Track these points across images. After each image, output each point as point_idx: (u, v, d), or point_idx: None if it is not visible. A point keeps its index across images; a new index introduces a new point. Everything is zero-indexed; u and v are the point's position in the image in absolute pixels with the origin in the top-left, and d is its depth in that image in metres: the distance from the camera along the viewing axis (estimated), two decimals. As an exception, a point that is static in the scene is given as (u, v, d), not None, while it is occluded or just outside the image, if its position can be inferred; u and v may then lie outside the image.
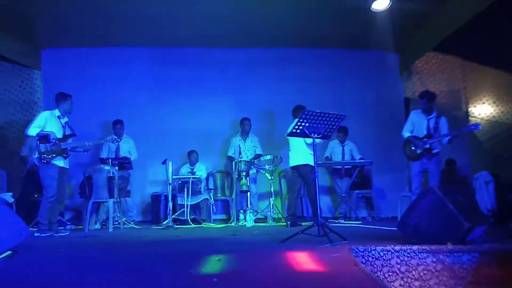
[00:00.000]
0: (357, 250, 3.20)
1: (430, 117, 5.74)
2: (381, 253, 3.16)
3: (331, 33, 7.69)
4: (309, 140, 5.55)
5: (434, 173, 5.66)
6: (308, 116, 4.35)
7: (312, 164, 5.80)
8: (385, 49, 8.37)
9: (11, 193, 6.14)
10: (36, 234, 5.29)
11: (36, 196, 6.58)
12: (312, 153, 5.71)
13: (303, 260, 3.20)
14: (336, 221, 6.92)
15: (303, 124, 4.38)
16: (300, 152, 6.00)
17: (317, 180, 4.43)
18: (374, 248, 3.20)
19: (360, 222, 6.70)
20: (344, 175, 7.37)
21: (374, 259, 3.14)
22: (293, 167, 6.15)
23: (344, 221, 6.90)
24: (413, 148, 5.79)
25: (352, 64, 8.52)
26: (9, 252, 3.61)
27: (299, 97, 8.06)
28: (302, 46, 8.34)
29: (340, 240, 4.03)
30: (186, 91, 8.29)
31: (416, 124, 5.83)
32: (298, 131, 4.44)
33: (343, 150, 7.55)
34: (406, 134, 5.87)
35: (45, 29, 7.40)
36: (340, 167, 7.38)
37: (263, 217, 7.12)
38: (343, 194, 7.15)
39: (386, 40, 7.70)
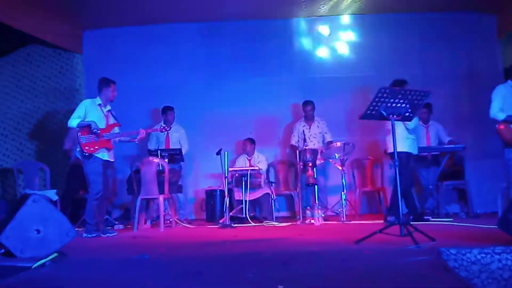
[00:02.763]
0: (448, 252, 3.11)
1: None
2: (478, 256, 3.05)
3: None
4: (411, 124, 5.78)
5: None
6: (385, 94, 4.25)
7: (409, 150, 6.02)
8: (478, 10, 7.97)
9: (55, 190, 6.50)
10: (84, 235, 5.58)
11: (81, 193, 6.94)
12: (411, 137, 6.00)
13: (384, 264, 3.15)
14: (422, 218, 6.74)
15: (379, 104, 4.28)
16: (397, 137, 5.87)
17: (398, 170, 4.33)
18: (470, 250, 3.10)
19: (451, 219, 6.49)
20: (431, 164, 7.15)
21: (469, 264, 3.04)
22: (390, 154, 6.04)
23: (432, 218, 6.71)
24: None
25: (438, 30, 8.19)
26: (56, 254, 3.84)
27: (372, 72, 7.94)
28: (376, 11, 8.13)
29: (427, 240, 3.93)
30: (242, 72, 8.35)
31: (507, 100, 5.52)
32: (373, 112, 4.35)
33: (427, 132, 7.31)
34: (500, 114, 5.57)
35: (87, 8, 7.68)
36: (426, 154, 7.16)
37: (334, 214, 7.07)
38: (430, 186, 6.94)
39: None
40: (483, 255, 3.06)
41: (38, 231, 3.98)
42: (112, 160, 5.93)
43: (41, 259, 3.62)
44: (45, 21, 7.56)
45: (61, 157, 7.47)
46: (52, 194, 6.34)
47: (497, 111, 5.59)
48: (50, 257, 3.73)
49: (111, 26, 8.36)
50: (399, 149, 5.47)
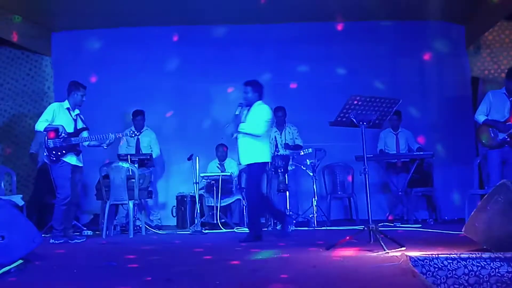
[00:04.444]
0: (416, 258, 3.16)
1: None
2: (445, 262, 3.11)
3: (382, 2, 7.54)
4: (259, 131, 5.33)
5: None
6: (355, 102, 4.30)
7: (262, 160, 5.39)
8: (447, 20, 8.14)
9: (21, 195, 6.36)
10: (51, 241, 5.47)
11: (48, 198, 6.80)
12: (263, 145, 5.42)
13: (354, 270, 3.18)
14: (391, 224, 6.83)
15: (349, 111, 4.33)
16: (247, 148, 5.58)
17: (367, 177, 4.38)
18: (437, 256, 3.15)
19: (419, 225, 6.60)
20: (401, 170, 7.26)
21: (436, 269, 3.09)
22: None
23: (401, 224, 6.81)
24: (492, 134, 5.64)
25: (407, 38, 8.34)
26: (21, 261, 3.75)
27: (345, 79, 8.03)
28: (349, 19, 8.23)
29: (396, 247, 3.98)
30: (214, 76, 8.31)
31: (494, 106, 5.68)
32: (344, 119, 4.40)
33: (397, 139, 7.43)
34: (481, 117, 5.75)
35: (55, 9, 7.56)
36: (395, 160, 7.27)
37: (305, 220, 7.11)
38: (399, 193, 7.04)
39: (448, 9, 7.48)
40: (450, 261, 3.12)
41: (3, 237, 3.88)
42: (81, 165, 5.84)
43: (6, 266, 3.54)
44: (12, 22, 7.43)
45: (28, 161, 7.32)
46: (18, 199, 6.20)
47: (479, 114, 5.77)
48: (15, 264, 3.65)
49: (81, 28, 8.25)
50: (251, 161, 5.40)
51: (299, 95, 8.23)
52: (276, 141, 7.32)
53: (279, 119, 7.55)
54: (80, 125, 5.82)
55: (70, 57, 8.32)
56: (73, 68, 7.99)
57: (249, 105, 5.57)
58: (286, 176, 6.65)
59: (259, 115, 5.43)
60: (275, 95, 8.08)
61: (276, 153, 6.89)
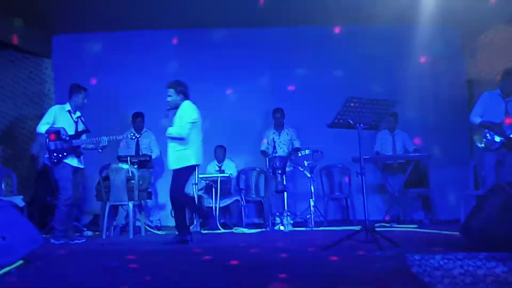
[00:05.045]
0: (412, 258, 3.16)
1: (509, 99, 5.59)
2: (441, 262, 3.11)
3: (377, 6, 7.54)
4: (183, 132, 5.20)
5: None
6: (352, 104, 4.31)
7: (185, 164, 5.21)
8: (443, 23, 8.15)
9: (22, 196, 6.36)
10: (51, 242, 5.47)
11: (49, 198, 6.80)
12: (187, 148, 5.27)
13: (351, 270, 3.19)
14: (387, 225, 6.84)
15: (347, 113, 4.34)
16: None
17: (364, 178, 4.39)
18: (433, 256, 3.15)
19: (416, 226, 6.60)
20: (397, 171, 7.27)
21: (432, 269, 3.09)
22: None
23: (397, 224, 6.81)
24: (488, 136, 5.63)
25: (403, 41, 8.34)
26: (21, 261, 3.75)
27: (342, 82, 8.04)
28: (346, 23, 8.23)
29: (392, 247, 3.99)
30: (213, 79, 8.32)
31: (489, 106, 5.67)
32: (341, 121, 4.41)
33: (393, 141, 7.44)
34: (476, 119, 5.72)
35: (56, 13, 7.57)
36: (392, 161, 7.28)
37: (303, 221, 7.11)
38: (396, 193, 7.05)
39: (444, 12, 7.48)
40: (446, 261, 3.12)
41: (3, 238, 3.88)
42: (82, 167, 5.85)
43: (6, 266, 3.54)
44: (13, 25, 7.43)
45: (29, 163, 7.32)
46: (19, 200, 6.20)
47: (474, 116, 5.74)
48: (16, 264, 3.65)
49: (81, 31, 8.27)
50: (178, 166, 5.28)
51: (297, 97, 8.25)
52: (274, 142, 7.33)
53: (277, 121, 7.58)
54: (81, 127, 5.83)
55: (70, 60, 8.32)
56: (73, 70, 7.98)
57: (176, 107, 5.41)
58: (284, 177, 6.66)
59: (182, 117, 5.28)
60: (274, 97, 8.13)
61: (274, 154, 6.91)
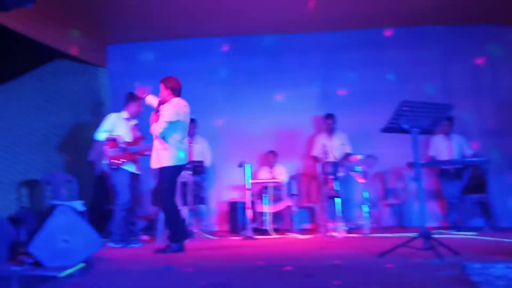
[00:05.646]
0: (472, 267, 3.08)
1: None
2: (504, 271, 3.01)
3: (433, 6, 7.39)
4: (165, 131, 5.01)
5: None
6: (407, 108, 4.24)
7: (173, 164, 5.05)
8: (501, 23, 7.89)
9: (82, 201, 6.61)
10: (109, 245, 5.65)
11: (106, 204, 7.03)
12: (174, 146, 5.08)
13: (407, 278, 3.13)
14: (445, 231, 6.66)
15: (401, 117, 4.27)
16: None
17: (420, 184, 4.30)
18: (494, 264, 3.06)
19: (475, 233, 6.39)
20: (454, 177, 7.07)
21: (494, 278, 3.00)
22: None
23: (455, 231, 6.62)
24: None
25: (460, 42, 8.13)
26: (83, 264, 3.91)
27: (394, 85, 7.92)
28: (397, 25, 8.11)
29: (450, 254, 3.89)
30: (263, 85, 8.38)
31: None
32: (395, 125, 4.34)
33: (449, 145, 7.25)
34: None
35: (110, 23, 7.85)
36: (448, 167, 7.09)
37: (357, 227, 7.03)
38: (453, 200, 6.86)
39: (502, 11, 7.25)
40: (509, 270, 3.02)
41: (66, 241, 4.06)
42: (139, 173, 6.03)
43: (69, 268, 3.69)
44: (71, 36, 7.74)
45: (88, 169, 7.59)
46: (79, 205, 6.45)
47: None
48: (77, 266, 3.80)
49: (134, 40, 8.51)
50: (160, 165, 5.13)
51: (349, 101, 8.16)
52: (325, 147, 7.30)
53: (329, 126, 7.54)
54: (137, 134, 6.02)
55: (125, 68, 8.57)
56: (128, 79, 8.16)
57: (165, 103, 5.23)
58: (336, 182, 6.61)
59: (162, 114, 5.10)
60: (325, 102, 8.09)
61: (326, 159, 6.87)
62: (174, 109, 5.10)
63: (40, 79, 8.07)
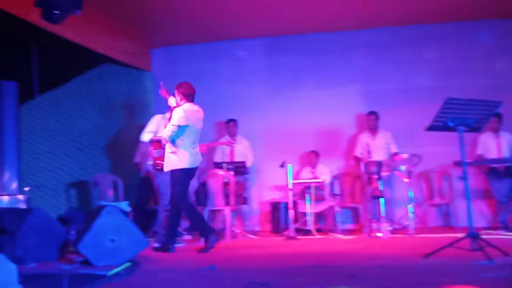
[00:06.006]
0: (523, 268, 2.98)
1: None
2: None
3: (477, 1, 7.18)
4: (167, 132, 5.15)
5: None
6: (452, 105, 4.14)
7: (182, 166, 5.19)
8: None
9: (128, 202, 6.77)
10: (154, 245, 5.77)
11: (151, 204, 7.18)
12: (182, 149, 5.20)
13: (454, 280, 3.06)
14: (494, 232, 6.46)
15: (446, 115, 4.18)
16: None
17: (467, 183, 4.20)
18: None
19: (527, 234, 6.19)
20: (503, 175, 6.85)
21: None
22: None
23: (505, 232, 6.42)
24: None
25: (508, 37, 7.86)
26: (129, 263, 4.01)
27: (438, 82, 7.74)
28: (441, 21, 7.91)
29: (501, 255, 3.77)
30: (303, 84, 8.37)
31: None
32: (440, 123, 4.25)
33: (498, 143, 7.02)
34: None
35: (154, 27, 8.02)
36: (497, 165, 6.88)
37: (401, 227, 6.92)
38: (503, 199, 6.65)
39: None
40: None
41: (113, 241, 4.18)
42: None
43: (116, 267, 3.79)
44: (116, 41, 7.94)
45: (133, 170, 7.78)
46: (125, 205, 6.60)
47: None
48: (124, 265, 3.90)
49: (177, 43, 8.66)
50: (170, 168, 5.28)
51: (392, 99, 8.02)
52: (368, 146, 7.21)
53: (371, 124, 7.44)
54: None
55: (168, 71, 8.71)
56: (170, 82, 8.30)
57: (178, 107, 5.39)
58: (380, 182, 6.52)
59: (171, 118, 5.26)
60: (367, 101, 7.98)
61: (369, 159, 6.79)
62: (183, 113, 5.22)
63: (87, 83, 8.35)
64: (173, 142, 5.23)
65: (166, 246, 5.27)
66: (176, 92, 5.41)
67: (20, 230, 4.36)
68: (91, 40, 7.27)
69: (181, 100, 5.37)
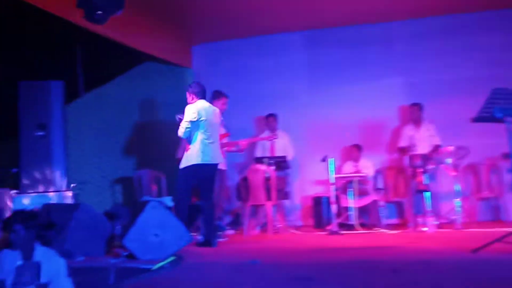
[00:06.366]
0: None
1: None
2: None
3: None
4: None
5: None
6: (499, 95, 4.01)
7: (190, 163, 5.36)
8: None
9: (171, 197, 6.88)
10: (198, 240, 5.85)
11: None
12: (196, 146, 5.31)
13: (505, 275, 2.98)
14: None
15: (493, 105, 4.05)
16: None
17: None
18: None
19: None
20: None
21: None
22: None
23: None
24: None
25: None
26: (173, 257, 4.08)
27: (485, 72, 7.49)
28: (484, 9, 7.64)
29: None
30: (344, 78, 8.26)
31: None
32: (487, 115, 4.12)
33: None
34: None
35: (194, 24, 8.10)
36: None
37: (448, 221, 6.76)
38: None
39: None
40: None
41: (157, 235, 4.26)
42: (224, 169, 6.18)
43: (160, 261, 3.87)
44: (158, 39, 8.07)
45: (176, 166, 7.91)
46: (168, 200, 6.71)
47: None
48: (169, 259, 3.98)
49: (217, 40, 8.71)
50: (181, 166, 5.48)
51: (435, 91, 7.83)
52: (413, 139, 7.07)
53: (415, 116, 7.28)
54: (222, 131, 6.16)
55: (209, 67, 8.80)
56: (212, 78, 8.41)
57: None
58: (425, 175, 6.39)
59: (184, 116, 5.39)
60: (410, 92, 7.81)
61: (414, 151, 6.66)
62: (193, 109, 5.36)
63: (129, 81, 8.54)
64: (187, 139, 5.40)
65: (208, 241, 5.34)
66: (187, 94, 5.61)
67: (68, 225, 4.50)
68: (133, 39, 7.41)
69: (193, 99, 5.54)
